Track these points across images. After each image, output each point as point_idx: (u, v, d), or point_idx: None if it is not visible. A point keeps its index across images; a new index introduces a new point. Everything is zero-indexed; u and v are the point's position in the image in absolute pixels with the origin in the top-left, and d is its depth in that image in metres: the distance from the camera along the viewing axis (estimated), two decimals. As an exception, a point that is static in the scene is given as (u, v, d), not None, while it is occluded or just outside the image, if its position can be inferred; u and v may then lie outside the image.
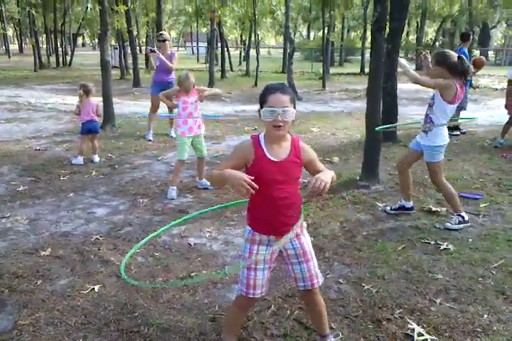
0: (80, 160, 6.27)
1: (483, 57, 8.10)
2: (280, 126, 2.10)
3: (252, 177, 2.00)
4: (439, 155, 4.10)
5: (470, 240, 3.88)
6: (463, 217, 4.12)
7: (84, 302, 2.96)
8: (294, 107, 2.14)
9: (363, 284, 3.17)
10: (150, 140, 7.73)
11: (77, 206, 4.71)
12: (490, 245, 3.77)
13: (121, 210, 4.61)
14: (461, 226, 4.09)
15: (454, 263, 3.47)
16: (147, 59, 24.73)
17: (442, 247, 3.72)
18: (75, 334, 2.65)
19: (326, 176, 2.06)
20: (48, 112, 10.74)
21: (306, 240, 2.34)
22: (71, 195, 5.03)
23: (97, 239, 3.91)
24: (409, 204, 4.48)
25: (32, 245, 3.77)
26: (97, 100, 6.57)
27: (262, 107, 2.14)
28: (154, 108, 7.98)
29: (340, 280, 3.24)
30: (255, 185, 1.98)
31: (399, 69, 4.37)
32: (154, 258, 3.58)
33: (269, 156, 2.15)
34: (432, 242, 3.82)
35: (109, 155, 6.73)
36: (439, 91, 3.99)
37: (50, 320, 2.77)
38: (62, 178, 5.59)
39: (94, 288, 3.11)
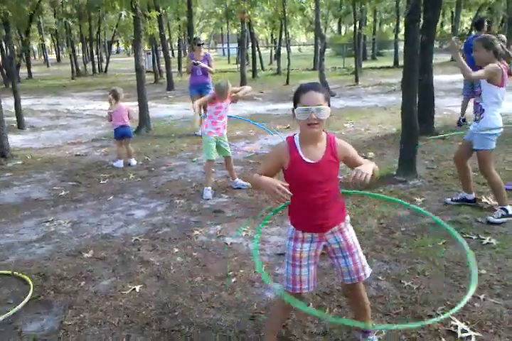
0: (120, 163, 6.44)
1: None
2: (315, 124, 2.08)
3: (287, 184, 2.00)
4: (490, 142, 3.97)
5: (514, 234, 3.75)
6: (507, 211, 3.99)
7: (126, 302, 3.03)
8: (329, 105, 2.11)
9: (403, 281, 3.11)
10: (196, 134, 8.10)
11: (117, 208, 4.83)
12: (535, 238, 3.63)
13: (159, 211, 4.69)
14: (504, 220, 3.96)
15: (497, 258, 3.36)
16: (179, 62, 25.24)
17: (485, 242, 3.61)
18: (119, 333, 2.72)
19: (367, 168, 2.05)
20: (86, 118, 11.05)
21: (350, 233, 2.32)
22: (111, 198, 5.16)
23: (136, 240, 3.99)
24: (471, 196, 4.40)
25: (75, 248, 3.89)
26: (127, 105, 6.70)
27: (295, 107, 2.13)
28: None
29: (380, 277, 3.19)
30: (289, 192, 1.98)
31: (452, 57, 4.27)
32: (193, 258, 3.63)
33: (305, 158, 2.14)
34: (474, 237, 3.71)
35: (146, 158, 6.86)
36: (486, 78, 3.91)
37: (94, 320, 2.85)
38: (101, 182, 5.75)
39: (135, 288, 3.18)
